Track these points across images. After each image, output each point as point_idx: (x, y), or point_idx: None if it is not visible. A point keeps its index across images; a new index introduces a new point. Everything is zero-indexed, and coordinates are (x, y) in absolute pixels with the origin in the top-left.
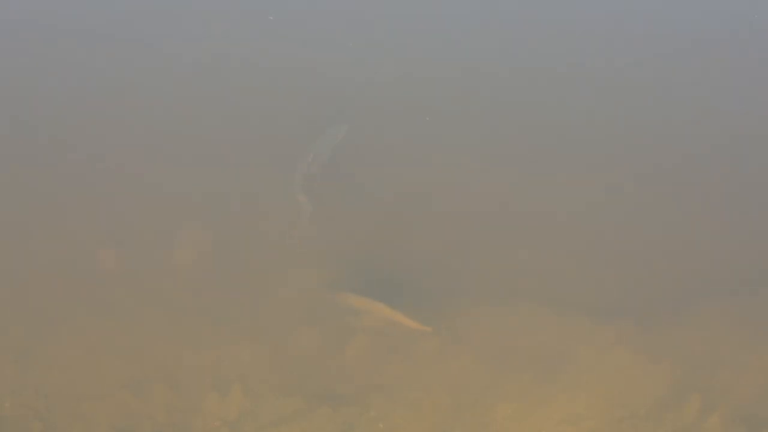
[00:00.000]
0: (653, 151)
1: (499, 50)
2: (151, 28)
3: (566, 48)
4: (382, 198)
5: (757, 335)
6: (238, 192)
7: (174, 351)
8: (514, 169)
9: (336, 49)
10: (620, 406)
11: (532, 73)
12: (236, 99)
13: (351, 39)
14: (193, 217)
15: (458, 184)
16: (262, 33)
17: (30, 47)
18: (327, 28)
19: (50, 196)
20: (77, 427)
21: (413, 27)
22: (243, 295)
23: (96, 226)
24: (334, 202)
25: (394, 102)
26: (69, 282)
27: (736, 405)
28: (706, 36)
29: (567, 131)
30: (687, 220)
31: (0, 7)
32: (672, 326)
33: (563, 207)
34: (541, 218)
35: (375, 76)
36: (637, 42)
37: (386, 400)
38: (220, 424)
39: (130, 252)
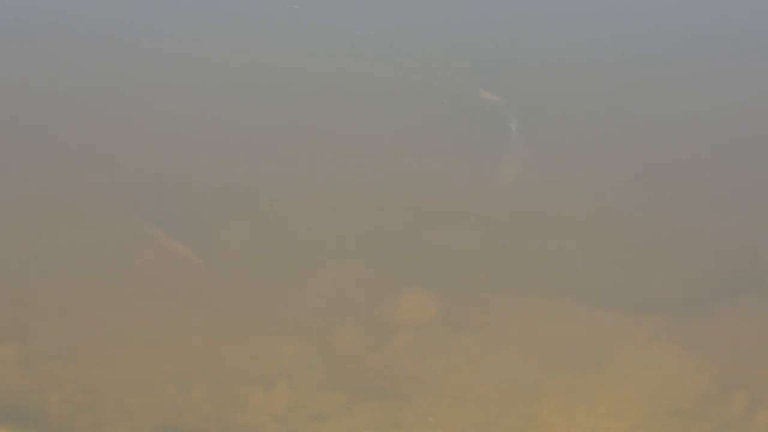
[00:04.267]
0: (682, 144)
1: (493, 47)
2: (171, 28)
3: (565, 46)
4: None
5: None
6: (272, 187)
7: (215, 346)
8: (543, 168)
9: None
10: (665, 399)
11: (533, 73)
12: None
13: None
14: (230, 212)
15: (481, 185)
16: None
17: (28, 46)
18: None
19: (85, 195)
20: (123, 422)
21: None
22: (283, 291)
23: (135, 222)
24: None
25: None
26: (110, 279)
27: None
28: (706, 32)
29: (587, 126)
30: (725, 213)
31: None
32: (712, 319)
33: (595, 202)
34: (572, 214)
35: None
36: (638, 39)
37: (431, 395)
38: (267, 419)
39: (168, 249)
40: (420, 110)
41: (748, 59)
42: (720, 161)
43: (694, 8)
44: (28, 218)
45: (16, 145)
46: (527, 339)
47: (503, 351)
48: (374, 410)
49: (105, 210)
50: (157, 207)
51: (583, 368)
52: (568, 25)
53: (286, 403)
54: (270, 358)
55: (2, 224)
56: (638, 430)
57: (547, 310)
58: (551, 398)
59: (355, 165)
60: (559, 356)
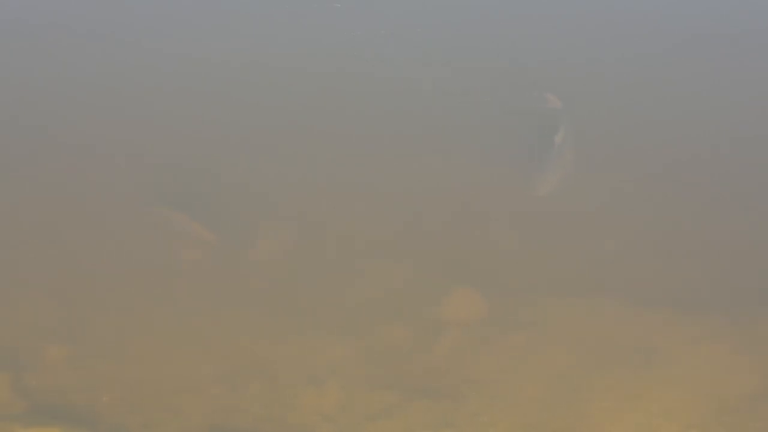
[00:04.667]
0: (730, 144)
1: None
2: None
3: (565, 46)
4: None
5: None
6: (311, 187)
7: (265, 345)
8: (580, 169)
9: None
10: (717, 399)
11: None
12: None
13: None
14: (276, 212)
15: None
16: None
17: (28, 46)
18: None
19: (113, 192)
20: (175, 421)
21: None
22: (331, 290)
23: (182, 221)
24: None
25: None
26: (155, 277)
27: None
28: (705, 32)
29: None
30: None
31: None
32: (762, 319)
33: (640, 201)
34: (617, 212)
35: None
36: (638, 39)
37: (482, 394)
38: (318, 418)
39: (216, 248)
40: (450, 110)
41: (748, 59)
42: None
43: (694, 8)
44: (56, 219)
45: (16, 145)
46: (575, 338)
47: (552, 350)
48: (426, 409)
49: (143, 206)
50: (200, 205)
51: (632, 367)
52: (568, 25)
53: (337, 403)
54: (319, 357)
55: (37, 225)
56: (691, 430)
57: (595, 309)
58: (602, 397)
59: (394, 165)
60: (608, 355)
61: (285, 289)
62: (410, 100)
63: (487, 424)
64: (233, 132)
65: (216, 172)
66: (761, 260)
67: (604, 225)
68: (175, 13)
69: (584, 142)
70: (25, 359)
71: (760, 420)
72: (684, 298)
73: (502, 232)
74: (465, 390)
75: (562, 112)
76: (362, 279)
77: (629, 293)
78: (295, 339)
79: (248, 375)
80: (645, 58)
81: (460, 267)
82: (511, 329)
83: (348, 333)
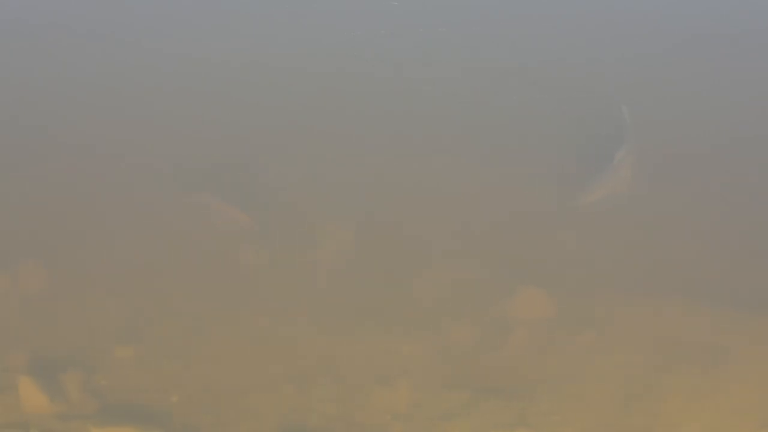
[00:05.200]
0: None
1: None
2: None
3: (565, 45)
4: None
5: None
6: (372, 187)
7: (332, 344)
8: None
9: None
10: None
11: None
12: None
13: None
14: (336, 213)
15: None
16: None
17: (28, 46)
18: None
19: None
20: (247, 421)
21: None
22: (396, 289)
23: (241, 221)
24: None
25: None
26: (222, 276)
27: None
28: (706, 32)
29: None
30: None
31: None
32: None
33: (705, 202)
34: (682, 213)
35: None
36: (638, 39)
37: (554, 393)
38: (389, 417)
39: (279, 247)
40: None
41: (748, 59)
42: None
43: (694, 8)
44: (109, 219)
45: (17, 146)
46: (643, 337)
47: (620, 349)
48: (498, 408)
49: (200, 206)
50: (259, 205)
51: (701, 367)
52: (569, 25)
53: (408, 402)
54: (389, 357)
55: (94, 225)
56: (764, 429)
57: (661, 308)
58: (672, 396)
59: (441, 166)
60: (676, 354)
61: (350, 289)
62: (441, 101)
63: (560, 423)
64: (272, 132)
65: (260, 170)
66: None
67: (669, 225)
68: (176, 13)
69: (643, 147)
70: (94, 359)
71: None
72: (751, 297)
73: (565, 233)
74: (535, 389)
75: (624, 123)
76: (428, 278)
77: (696, 292)
78: (362, 338)
79: (317, 374)
80: (644, 58)
81: (525, 267)
82: (579, 328)
83: (416, 332)
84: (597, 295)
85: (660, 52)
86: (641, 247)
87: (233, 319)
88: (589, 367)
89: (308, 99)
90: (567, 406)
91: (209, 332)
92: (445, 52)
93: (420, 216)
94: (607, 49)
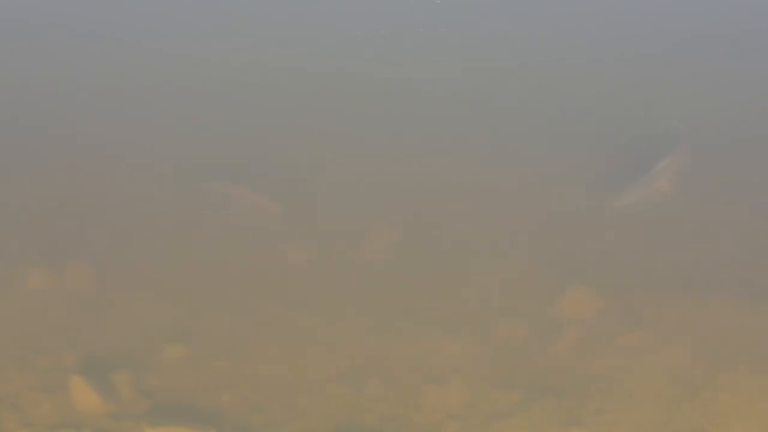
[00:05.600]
0: None
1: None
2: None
3: (565, 45)
4: None
5: None
6: (419, 188)
7: (382, 344)
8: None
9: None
10: None
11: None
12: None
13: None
14: (381, 214)
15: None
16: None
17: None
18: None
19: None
20: (299, 420)
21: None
22: (444, 289)
23: (290, 222)
24: None
25: None
26: (269, 276)
27: None
28: (706, 32)
29: None
30: None
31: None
32: None
33: (755, 200)
34: (731, 212)
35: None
36: (638, 39)
37: (605, 391)
38: (443, 416)
39: (324, 247)
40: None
41: (748, 59)
42: None
43: (694, 8)
44: (148, 219)
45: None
46: (693, 335)
47: (670, 347)
48: (551, 407)
49: (245, 206)
50: (308, 206)
51: (752, 365)
52: (569, 25)
53: (461, 401)
54: (438, 356)
55: (137, 226)
56: None
57: (710, 307)
58: (725, 395)
59: (484, 166)
60: (726, 353)
61: (397, 288)
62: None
63: (613, 422)
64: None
65: (292, 167)
66: None
67: (718, 225)
68: (176, 13)
69: (695, 142)
70: (143, 359)
71: None
72: None
73: (607, 233)
74: (587, 387)
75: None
76: (474, 278)
77: (744, 291)
78: (411, 337)
79: (368, 374)
80: (644, 58)
81: (571, 266)
82: (628, 327)
83: (465, 331)
84: (644, 294)
85: (660, 52)
86: (686, 247)
87: (280, 317)
88: (639, 366)
89: (312, 98)
90: (619, 404)
91: (257, 331)
92: (448, 52)
93: (460, 216)
94: (607, 49)
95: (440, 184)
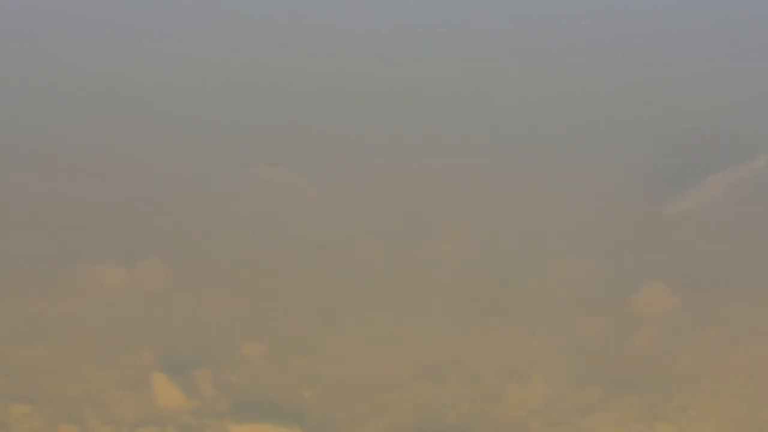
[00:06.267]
0: None
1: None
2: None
3: (565, 45)
4: None
5: None
6: (487, 186)
7: (461, 341)
8: None
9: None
10: None
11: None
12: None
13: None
14: (453, 209)
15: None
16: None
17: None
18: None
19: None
20: (382, 417)
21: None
22: (519, 286)
23: (364, 222)
24: None
25: None
26: (343, 273)
27: None
28: (706, 32)
29: None
30: None
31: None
32: None
33: None
34: None
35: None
36: (638, 39)
37: (687, 388)
38: (525, 413)
39: (397, 245)
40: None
41: (748, 59)
42: None
43: (694, 8)
44: (212, 217)
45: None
46: None
47: (749, 344)
48: (634, 403)
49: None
50: (378, 201)
51: None
52: (569, 25)
53: (543, 398)
54: (518, 353)
55: (206, 224)
56: None
57: None
58: None
59: (548, 166)
60: None
61: (472, 286)
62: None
63: (697, 419)
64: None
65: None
66: None
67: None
68: (176, 13)
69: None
70: (222, 356)
71: None
72: None
73: (681, 233)
74: (668, 384)
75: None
76: (549, 276)
77: None
78: (490, 335)
79: (449, 371)
80: (644, 58)
81: (646, 264)
82: (706, 324)
83: (543, 328)
84: (721, 292)
85: (660, 52)
86: (756, 247)
87: (356, 314)
88: (720, 362)
89: (334, 98)
90: (702, 401)
91: (334, 328)
92: (453, 52)
93: (523, 215)
94: (607, 49)
95: (501, 183)
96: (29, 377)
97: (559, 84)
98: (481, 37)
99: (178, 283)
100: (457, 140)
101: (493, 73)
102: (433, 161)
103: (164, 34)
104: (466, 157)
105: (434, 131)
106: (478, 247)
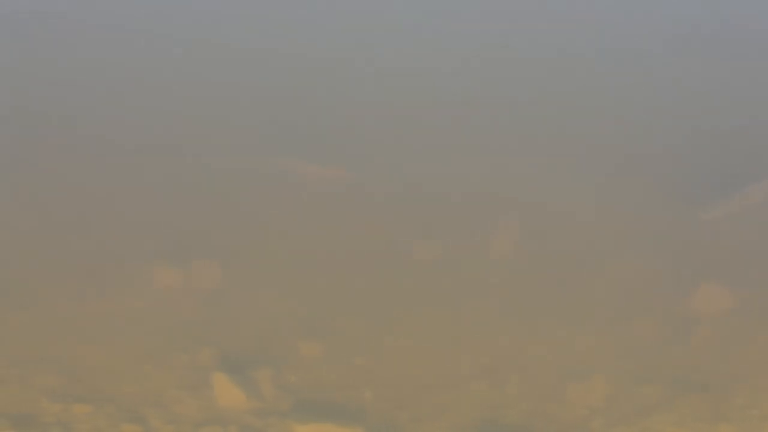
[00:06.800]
0: None
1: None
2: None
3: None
4: None
5: None
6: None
7: (518, 340)
8: None
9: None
10: None
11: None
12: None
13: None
14: (506, 211)
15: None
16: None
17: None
18: None
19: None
20: (444, 417)
21: None
22: (575, 285)
23: (418, 221)
24: None
25: None
26: (399, 274)
27: None
28: (706, 32)
29: None
30: None
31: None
32: None
33: None
34: None
35: None
36: (638, 39)
37: (748, 387)
38: (587, 412)
39: (452, 245)
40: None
41: (748, 59)
42: None
43: (695, 8)
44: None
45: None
46: None
47: None
48: (696, 403)
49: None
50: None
51: None
52: (568, 25)
53: (604, 397)
54: (576, 352)
55: (258, 222)
56: None
57: None
58: None
59: (588, 170)
60: None
61: (528, 285)
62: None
63: (760, 418)
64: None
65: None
66: None
67: None
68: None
69: None
70: (280, 356)
71: None
72: None
73: (735, 231)
74: (728, 383)
75: None
76: (604, 275)
77: None
78: (547, 334)
79: (508, 370)
80: (644, 57)
81: (699, 265)
82: (764, 324)
83: (600, 327)
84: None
85: (660, 52)
86: None
87: (414, 313)
88: None
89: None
90: (763, 401)
91: (391, 327)
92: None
93: (568, 216)
94: (608, 48)
95: (546, 184)
96: (88, 377)
97: (598, 82)
98: (514, 36)
99: (233, 283)
100: (505, 141)
101: (532, 71)
102: (480, 162)
103: (210, 32)
104: (513, 159)
105: (483, 132)
106: (532, 248)
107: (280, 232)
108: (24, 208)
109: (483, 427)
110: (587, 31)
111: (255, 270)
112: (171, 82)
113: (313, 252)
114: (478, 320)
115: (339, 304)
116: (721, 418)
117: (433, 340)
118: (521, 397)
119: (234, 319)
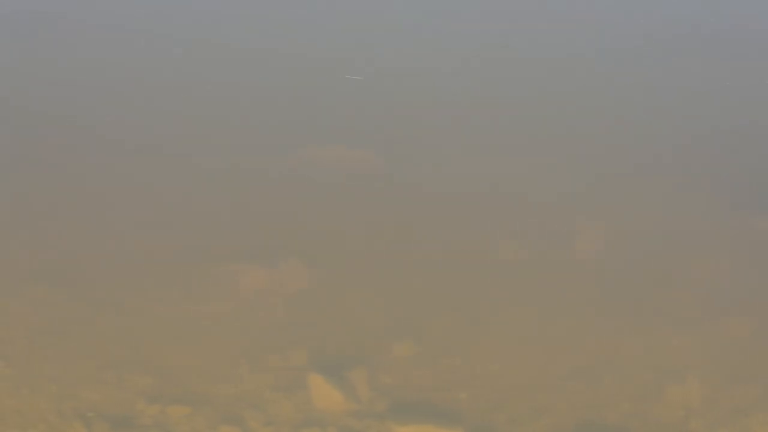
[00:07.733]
0: None
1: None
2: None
3: (565, 45)
4: None
5: None
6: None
7: (612, 341)
8: None
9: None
10: None
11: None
12: None
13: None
14: (587, 209)
15: None
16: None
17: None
18: None
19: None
20: (541, 417)
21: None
22: (662, 285)
23: (499, 220)
24: None
25: None
26: (487, 275)
27: None
28: (705, 32)
29: None
30: None
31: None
32: None
33: None
34: None
35: None
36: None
37: None
38: (685, 413)
39: (539, 245)
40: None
41: (748, 59)
42: None
43: (695, 8)
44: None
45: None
46: None
47: None
48: None
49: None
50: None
51: None
52: (568, 25)
53: (702, 397)
54: (671, 352)
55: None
56: None
57: None
58: None
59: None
60: None
61: (619, 286)
62: None
63: None
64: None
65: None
66: None
67: None
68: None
69: None
70: (374, 357)
71: None
72: None
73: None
74: None
75: None
76: (694, 276)
77: None
78: (642, 334)
79: (604, 371)
80: (644, 57)
81: None
82: None
83: (693, 327)
84: None
85: (660, 52)
86: None
87: (505, 314)
88: None
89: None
90: None
91: (483, 328)
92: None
93: (655, 219)
94: (607, 48)
95: (621, 187)
96: (183, 379)
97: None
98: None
99: (321, 283)
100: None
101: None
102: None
103: (210, 32)
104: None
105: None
106: (620, 249)
107: (360, 231)
108: (107, 210)
109: (582, 428)
110: (587, 31)
111: (341, 271)
112: (171, 82)
113: (401, 253)
114: (571, 320)
115: (429, 304)
116: None
117: (525, 340)
118: (619, 397)
119: (324, 320)
